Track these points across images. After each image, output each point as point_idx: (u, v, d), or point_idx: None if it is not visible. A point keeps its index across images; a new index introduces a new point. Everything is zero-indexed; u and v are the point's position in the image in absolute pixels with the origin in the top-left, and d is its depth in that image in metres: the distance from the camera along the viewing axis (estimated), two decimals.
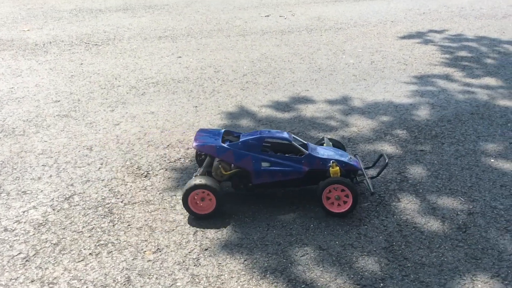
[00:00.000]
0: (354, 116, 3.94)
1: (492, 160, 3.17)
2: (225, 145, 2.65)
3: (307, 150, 2.70)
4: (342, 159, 2.71)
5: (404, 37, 6.34)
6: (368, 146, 3.40)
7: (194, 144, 2.69)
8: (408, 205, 2.72)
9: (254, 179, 2.67)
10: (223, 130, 2.82)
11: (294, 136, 2.83)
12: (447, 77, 4.78)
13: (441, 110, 4.00)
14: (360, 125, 3.77)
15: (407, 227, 2.53)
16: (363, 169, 2.80)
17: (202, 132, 2.82)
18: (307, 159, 2.67)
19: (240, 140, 2.69)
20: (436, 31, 6.64)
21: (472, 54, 5.55)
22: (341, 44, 6.09)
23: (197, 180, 2.55)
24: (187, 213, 2.65)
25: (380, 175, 2.84)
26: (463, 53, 5.59)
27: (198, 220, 2.60)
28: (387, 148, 3.37)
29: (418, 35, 6.46)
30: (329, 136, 3.42)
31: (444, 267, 2.25)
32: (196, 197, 2.56)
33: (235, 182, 2.73)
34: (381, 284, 2.15)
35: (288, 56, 5.64)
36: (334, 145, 2.94)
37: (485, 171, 3.04)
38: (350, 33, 6.63)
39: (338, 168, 2.64)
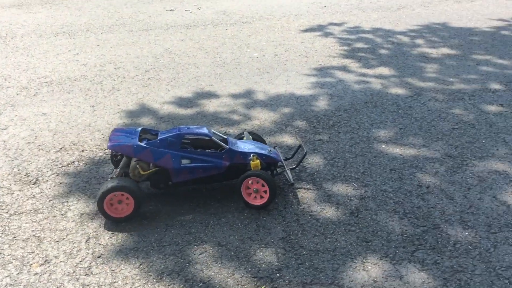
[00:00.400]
0: (256, 109, 3.97)
1: (383, 146, 3.33)
2: (142, 144, 2.56)
3: (227, 145, 2.69)
4: (262, 152, 2.73)
5: (306, 30, 6.50)
6: (270, 138, 3.44)
7: (109, 144, 2.57)
8: (305, 194, 2.78)
9: (174, 177, 2.60)
10: (139, 129, 2.73)
11: (214, 131, 2.79)
12: (344, 68, 4.97)
13: (338, 100, 4.14)
14: (262, 117, 3.80)
15: (304, 216, 2.59)
16: (283, 161, 2.84)
17: (117, 132, 2.70)
18: (228, 154, 2.65)
19: (158, 138, 2.61)
20: (335, 24, 6.87)
21: (368, 45, 5.80)
22: (246, 38, 6.12)
23: (114, 182, 2.43)
24: (80, 220, 2.53)
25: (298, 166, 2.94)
26: (359, 45, 5.83)
27: (91, 226, 2.49)
28: (288, 139, 3.43)
29: (319, 28, 6.65)
30: (248, 129, 3.44)
31: (337, 252, 2.32)
32: (112, 200, 2.45)
33: (155, 182, 2.65)
34: (277, 275, 2.18)
35: (193, 50, 5.57)
36: (254, 139, 2.96)
37: (377, 157, 3.19)
38: (255, 27, 6.68)
39: (258, 161, 2.65)
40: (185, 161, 2.60)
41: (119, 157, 2.72)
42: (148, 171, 2.59)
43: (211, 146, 2.75)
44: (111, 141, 2.59)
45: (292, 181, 2.72)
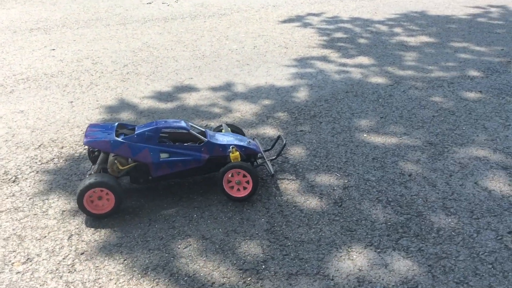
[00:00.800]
0: (237, 101, 3.95)
1: (365, 135, 3.35)
2: (119, 139, 2.52)
3: (205, 138, 2.66)
4: (242, 143, 2.71)
5: (285, 21, 6.48)
6: (251, 131, 3.42)
7: (85, 140, 2.52)
8: (288, 185, 2.78)
9: (153, 171, 2.57)
10: (116, 124, 2.68)
11: (192, 124, 2.76)
12: (324, 59, 4.97)
13: (319, 90, 4.14)
14: (243, 110, 3.78)
15: (288, 207, 2.58)
16: (262, 152, 2.83)
17: (93, 128, 2.65)
18: (207, 146, 2.63)
19: (135, 132, 2.58)
20: (314, 14, 6.87)
21: (347, 35, 5.82)
22: (224, 30, 6.08)
23: (92, 179, 2.39)
24: (62, 217, 2.49)
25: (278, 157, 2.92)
26: (339, 35, 5.84)
27: (73, 223, 2.45)
28: (269, 131, 3.42)
29: (298, 18, 6.64)
30: (228, 122, 3.42)
31: (322, 242, 2.32)
32: (92, 197, 2.41)
33: (134, 177, 2.62)
34: (263, 266, 2.18)
35: (171, 44, 5.51)
36: (232, 131, 2.94)
37: (359, 146, 3.20)
38: (233, 19, 6.64)
39: (238, 153, 2.64)
40: (163, 155, 2.57)
41: (96, 153, 2.68)
42: (127, 166, 2.56)
43: (189, 139, 2.73)
44: (87, 137, 2.54)
45: (272, 172, 2.71)
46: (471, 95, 4.01)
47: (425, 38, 5.64)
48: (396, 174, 2.87)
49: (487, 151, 3.12)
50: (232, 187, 2.60)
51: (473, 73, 4.52)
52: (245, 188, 2.60)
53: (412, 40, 5.57)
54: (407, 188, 2.73)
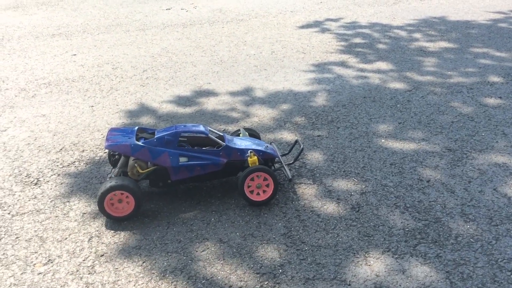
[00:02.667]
0: (255, 106, 3.97)
1: (382, 141, 3.34)
2: (139, 143, 2.56)
3: (224, 142, 2.69)
4: (259, 148, 2.73)
5: (302, 27, 6.50)
6: (269, 135, 3.44)
7: (106, 144, 2.57)
8: (306, 190, 2.79)
9: (172, 175, 2.61)
10: (136, 128, 2.73)
11: (210, 128, 2.79)
12: (342, 64, 4.97)
13: (336, 95, 4.15)
14: (261, 114, 3.80)
15: (305, 212, 2.59)
16: (280, 157, 2.85)
17: (114, 132, 2.70)
18: (225, 151, 2.66)
19: (155, 136, 2.62)
20: (332, 20, 6.87)
21: (366, 40, 5.80)
22: (242, 36, 6.11)
23: (113, 182, 2.44)
24: (82, 219, 2.54)
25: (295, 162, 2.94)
26: (357, 40, 5.83)
27: (93, 226, 2.49)
28: (287, 135, 3.44)
29: (316, 24, 6.65)
30: (245, 126, 3.44)
31: (339, 247, 2.33)
32: (112, 200, 2.45)
33: (154, 180, 2.66)
34: (280, 270, 2.19)
35: (190, 49, 5.57)
36: (250, 135, 2.96)
37: (376, 151, 3.19)
38: (251, 24, 6.68)
39: (256, 157, 2.66)
40: (183, 159, 2.60)
41: (116, 156, 2.72)
42: (147, 170, 2.59)
43: (208, 143, 2.76)
44: (108, 141, 2.59)
45: (290, 176, 2.72)
46: (491, 101, 3.97)
47: (444, 44, 5.60)
48: (414, 180, 2.86)
49: (506, 157, 3.09)
50: (252, 192, 2.62)
51: (493, 78, 4.47)
52: (264, 192, 2.62)
53: (431, 46, 5.54)
54: (425, 194, 2.72)
